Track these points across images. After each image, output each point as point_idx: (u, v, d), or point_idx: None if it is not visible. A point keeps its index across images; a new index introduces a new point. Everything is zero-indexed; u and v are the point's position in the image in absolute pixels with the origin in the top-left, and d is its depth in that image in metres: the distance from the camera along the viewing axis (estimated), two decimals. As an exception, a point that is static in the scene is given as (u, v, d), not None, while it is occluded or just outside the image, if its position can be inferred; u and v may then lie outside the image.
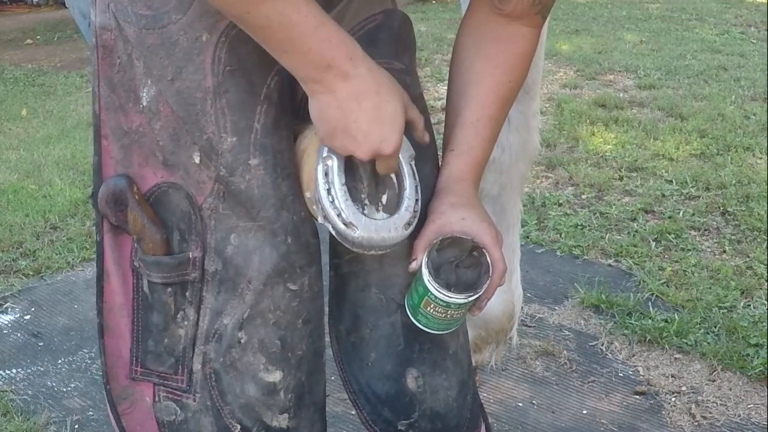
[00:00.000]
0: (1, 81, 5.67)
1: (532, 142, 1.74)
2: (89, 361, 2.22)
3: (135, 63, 1.04)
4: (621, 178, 3.32)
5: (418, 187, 1.08)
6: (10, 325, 2.43)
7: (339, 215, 1.01)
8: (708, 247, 2.73)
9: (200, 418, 1.10)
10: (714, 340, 2.18)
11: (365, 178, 1.04)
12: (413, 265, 1.09)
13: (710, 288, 2.44)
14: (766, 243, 2.70)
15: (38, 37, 7.33)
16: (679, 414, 1.94)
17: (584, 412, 1.97)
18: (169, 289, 1.08)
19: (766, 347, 2.12)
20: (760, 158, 3.47)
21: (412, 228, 1.07)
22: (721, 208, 2.99)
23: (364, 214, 1.03)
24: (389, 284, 1.15)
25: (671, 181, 3.25)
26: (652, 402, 1.99)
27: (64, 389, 2.11)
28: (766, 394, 1.99)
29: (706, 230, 2.85)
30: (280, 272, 1.05)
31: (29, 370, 2.20)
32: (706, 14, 6.87)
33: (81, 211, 3.16)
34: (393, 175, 1.07)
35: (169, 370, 1.11)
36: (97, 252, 1.13)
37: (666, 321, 2.27)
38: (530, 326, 2.31)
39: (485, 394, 2.02)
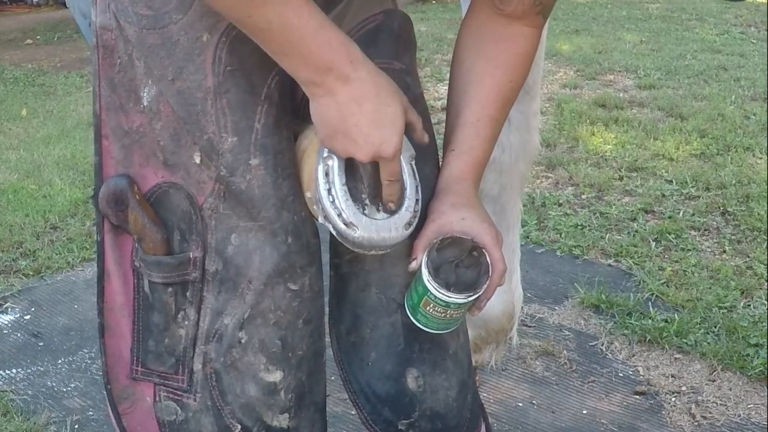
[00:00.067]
0: (1, 81, 5.67)
1: (532, 142, 1.75)
2: (89, 361, 2.22)
3: (136, 63, 1.04)
4: (621, 178, 3.32)
5: (419, 187, 1.08)
6: (10, 325, 2.43)
7: (339, 215, 1.01)
8: (708, 247, 2.73)
9: (201, 417, 1.10)
10: (714, 340, 2.18)
11: (366, 178, 1.04)
12: (413, 265, 1.09)
13: (710, 288, 2.44)
14: (766, 243, 2.70)
15: (38, 37, 7.33)
16: (679, 414, 1.94)
17: (584, 412, 1.97)
18: (170, 289, 1.08)
19: (766, 347, 2.12)
20: (760, 158, 3.47)
21: (412, 228, 1.07)
22: (721, 208, 2.99)
23: (365, 214, 1.03)
24: (389, 284, 1.15)
25: (671, 181, 3.25)
26: (652, 402, 1.99)
27: (64, 389, 2.11)
28: (766, 394, 1.99)
29: (706, 230, 2.85)
30: (280, 272, 1.05)
31: (29, 370, 2.20)
32: (706, 14, 6.88)
33: (81, 211, 3.17)
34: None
35: (170, 369, 1.11)
36: (98, 252, 1.13)
37: (666, 321, 2.27)
38: (530, 326, 2.31)
39: (485, 394, 2.02)
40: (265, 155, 1.03)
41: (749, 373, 2.05)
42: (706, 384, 2.04)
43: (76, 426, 1.95)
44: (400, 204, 1.06)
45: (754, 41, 5.88)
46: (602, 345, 2.21)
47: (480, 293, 1.08)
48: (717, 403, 1.97)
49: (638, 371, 2.10)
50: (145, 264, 1.09)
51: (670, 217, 2.93)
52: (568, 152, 3.65)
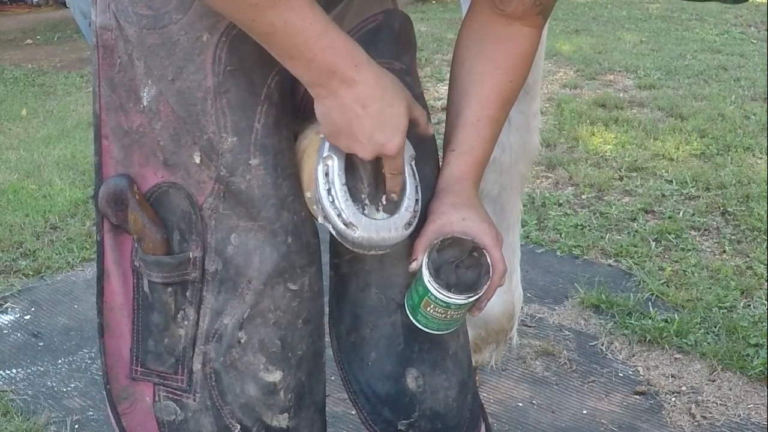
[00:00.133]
0: (1, 81, 5.67)
1: (532, 142, 1.75)
2: (89, 361, 2.22)
3: (136, 63, 1.04)
4: (621, 178, 3.32)
5: (419, 187, 1.08)
6: (10, 325, 2.43)
7: (339, 215, 1.01)
8: (708, 247, 2.73)
9: (200, 417, 1.10)
10: (714, 340, 2.18)
11: (365, 178, 1.05)
12: (413, 266, 1.09)
13: (710, 288, 2.44)
14: (766, 243, 2.70)
15: (38, 37, 7.33)
16: (679, 414, 1.94)
17: (584, 412, 1.97)
18: (170, 289, 1.08)
19: (766, 347, 2.12)
20: (760, 158, 3.47)
21: (412, 228, 1.07)
22: (721, 208, 2.99)
23: (365, 214, 1.03)
24: (389, 284, 1.15)
25: (671, 181, 3.25)
26: (652, 402, 1.99)
27: (64, 389, 2.11)
28: (766, 394, 1.99)
29: (706, 230, 2.85)
30: (280, 272, 1.05)
31: (29, 370, 2.20)
32: (706, 14, 6.87)
33: (81, 211, 3.16)
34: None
35: (169, 369, 1.11)
36: (98, 252, 1.13)
37: (666, 321, 2.27)
38: (530, 326, 2.31)
39: (485, 394, 2.02)
40: (265, 155, 1.03)
41: (749, 373, 2.05)
42: (706, 384, 2.04)
43: (76, 426, 1.95)
44: (400, 204, 1.06)
45: (754, 41, 5.87)
46: (602, 345, 2.21)
47: (480, 294, 1.07)
48: (717, 403, 1.97)
49: (638, 371, 2.10)
50: (145, 264, 1.09)
51: (670, 217, 2.93)
52: (568, 152, 3.65)
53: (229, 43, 1.01)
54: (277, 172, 1.04)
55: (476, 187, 1.16)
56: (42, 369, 2.20)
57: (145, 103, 1.04)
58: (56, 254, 2.82)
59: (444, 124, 1.20)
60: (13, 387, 2.11)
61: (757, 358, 2.08)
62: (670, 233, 2.79)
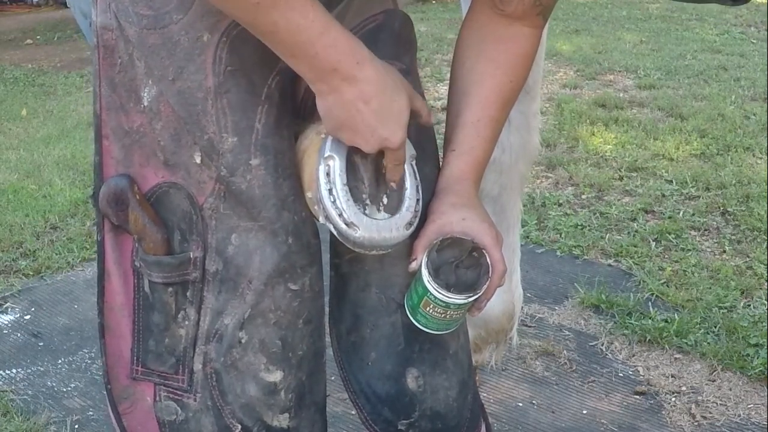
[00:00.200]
0: (1, 81, 5.67)
1: (532, 142, 1.75)
2: (89, 361, 2.22)
3: (136, 63, 1.04)
4: (621, 178, 3.32)
5: (419, 187, 1.08)
6: (10, 325, 2.43)
7: (340, 215, 1.01)
8: (708, 247, 2.73)
9: (201, 417, 1.10)
10: (714, 340, 2.18)
11: (366, 178, 1.05)
12: (413, 265, 1.09)
13: (710, 288, 2.44)
14: (766, 243, 2.70)
15: (38, 37, 7.33)
16: (679, 414, 1.94)
17: (584, 412, 1.97)
18: (170, 289, 1.08)
19: (766, 347, 2.12)
20: (760, 158, 3.47)
21: (413, 228, 1.07)
22: (721, 208, 2.99)
23: (366, 214, 1.03)
24: (389, 284, 1.15)
25: (671, 181, 3.25)
26: (652, 402, 1.99)
27: (64, 389, 2.11)
28: (766, 394, 1.99)
29: (706, 230, 2.85)
30: (281, 272, 1.05)
31: (29, 370, 2.20)
32: (706, 14, 6.87)
33: (81, 211, 3.16)
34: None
35: (170, 369, 1.11)
36: (98, 252, 1.13)
37: (666, 321, 2.27)
38: (530, 326, 2.31)
39: (485, 394, 2.02)
40: (266, 155, 1.03)
41: (749, 373, 2.05)
42: (706, 384, 2.04)
43: (76, 426, 1.95)
44: (400, 204, 1.06)
45: (754, 41, 5.87)
46: (602, 345, 2.21)
47: (480, 294, 1.08)
48: (717, 403, 1.97)
49: (638, 371, 2.10)
50: (146, 264, 1.09)
51: (670, 217, 2.93)
52: (568, 152, 3.65)
53: (229, 43, 1.01)
54: (278, 172, 1.04)
55: (476, 187, 1.16)
56: (42, 369, 2.20)
57: (145, 103, 1.04)
58: (56, 254, 2.82)
59: (444, 124, 1.20)
60: (13, 387, 2.11)
61: (757, 358, 2.09)
62: (670, 233, 2.79)
